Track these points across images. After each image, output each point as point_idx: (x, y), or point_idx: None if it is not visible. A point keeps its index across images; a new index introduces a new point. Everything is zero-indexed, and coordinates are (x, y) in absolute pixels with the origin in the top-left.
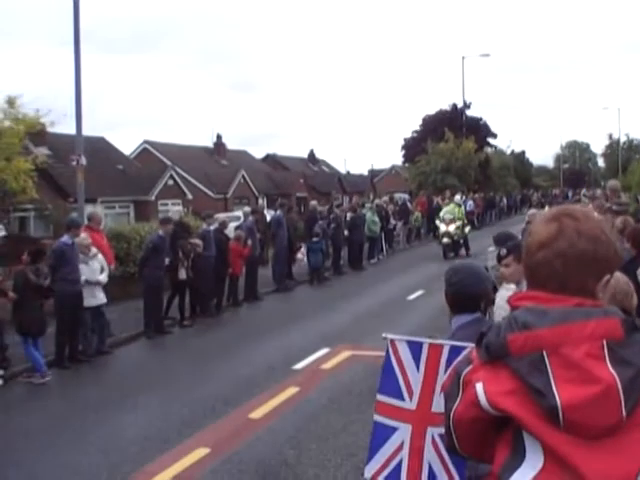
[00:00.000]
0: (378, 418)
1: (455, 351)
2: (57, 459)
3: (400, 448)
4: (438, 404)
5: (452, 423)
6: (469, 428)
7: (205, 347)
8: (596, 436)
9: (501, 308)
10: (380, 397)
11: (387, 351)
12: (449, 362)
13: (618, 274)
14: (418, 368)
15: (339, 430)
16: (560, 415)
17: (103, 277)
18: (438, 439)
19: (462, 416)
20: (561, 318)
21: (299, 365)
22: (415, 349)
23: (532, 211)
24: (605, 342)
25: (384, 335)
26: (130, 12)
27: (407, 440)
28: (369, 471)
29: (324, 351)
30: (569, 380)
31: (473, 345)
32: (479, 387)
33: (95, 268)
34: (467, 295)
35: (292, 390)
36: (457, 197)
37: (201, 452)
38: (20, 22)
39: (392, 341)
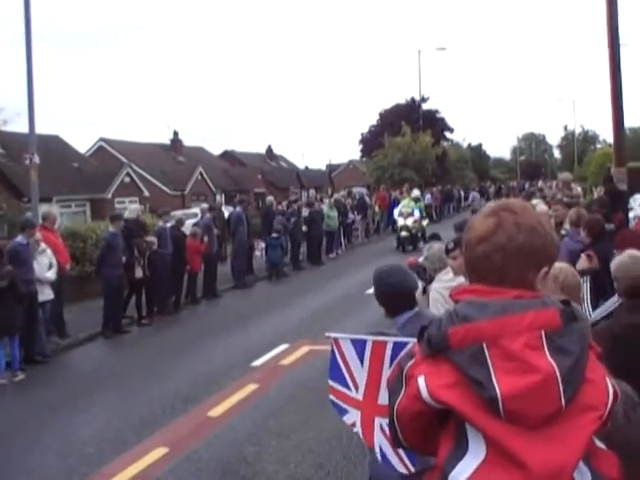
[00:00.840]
0: (332, 398)
1: (399, 346)
2: (12, 462)
3: (354, 425)
4: (384, 397)
5: (396, 417)
6: (412, 421)
7: (163, 345)
8: (536, 425)
9: (436, 300)
10: (331, 382)
11: (332, 350)
12: (393, 357)
13: (565, 266)
14: (362, 364)
15: (299, 426)
16: (500, 405)
17: (51, 274)
18: (386, 428)
19: (405, 410)
20: (500, 310)
21: (258, 362)
22: (359, 346)
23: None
24: (543, 332)
25: (327, 334)
26: (85, 8)
27: (358, 422)
28: (347, 420)
29: (283, 347)
30: (509, 371)
31: (414, 340)
32: (421, 381)
33: (44, 264)
34: (407, 293)
35: (251, 387)
36: (415, 192)
37: (160, 452)
38: None
39: (336, 340)
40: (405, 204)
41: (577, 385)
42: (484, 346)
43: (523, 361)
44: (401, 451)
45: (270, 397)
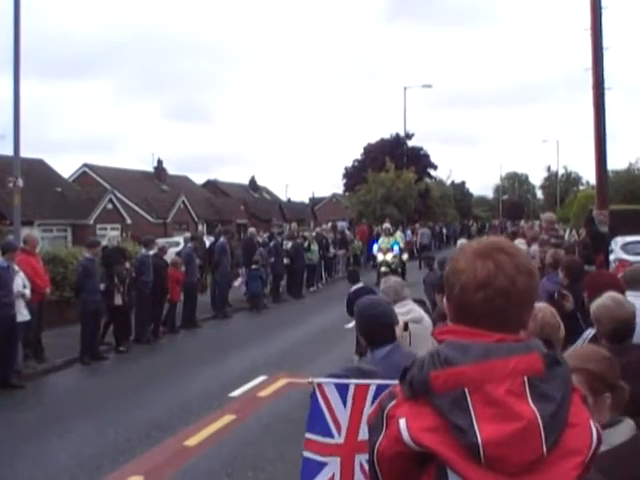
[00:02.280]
0: (308, 454)
1: (381, 389)
2: None
3: (332, 479)
4: (364, 432)
5: (376, 457)
6: (393, 463)
7: (141, 373)
8: (517, 472)
9: None
10: (309, 435)
11: (314, 394)
12: (375, 399)
13: (544, 305)
14: (345, 405)
15: (275, 458)
16: (481, 452)
17: (27, 291)
18: (366, 465)
19: (386, 451)
20: (483, 355)
21: (236, 392)
22: (342, 390)
23: (462, 241)
24: (526, 378)
25: (310, 380)
26: (70, 37)
27: (337, 472)
28: None
29: (261, 379)
30: (490, 417)
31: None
32: (402, 423)
33: (18, 284)
34: (388, 325)
35: (228, 418)
36: (386, 224)
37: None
38: None
39: (319, 385)
40: (384, 240)
41: (559, 432)
42: (466, 391)
43: (505, 408)
44: None
45: (247, 428)
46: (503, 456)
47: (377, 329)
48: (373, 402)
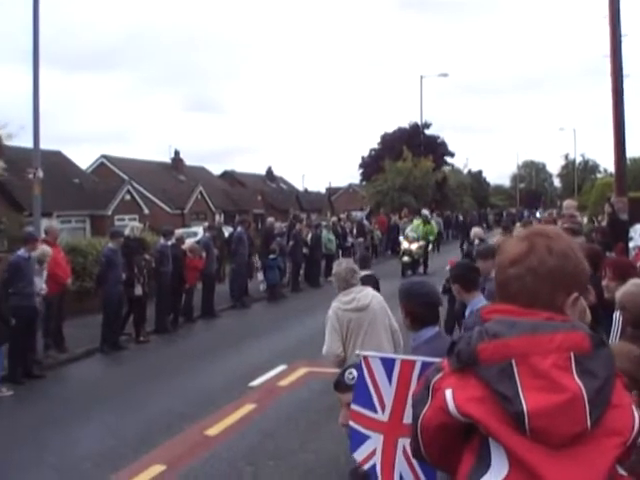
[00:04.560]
0: (353, 424)
1: (426, 366)
2: (8, 476)
3: (373, 453)
4: (409, 416)
5: (420, 428)
6: (436, 434)
7: (161, 363)
8: (561, 444)
9: (328, 317)
10: (354, 406)
11: (360, 367)
12: (420, 376)
13: None
14: (390, 382)
15: (296, 447)
16: (526, 421)
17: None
18: (409, 449)
19: (430, 422)
20: (530, 329)
21: (256, 382)
22: (388, 365)
23: (476, 230)
24: (572, 354)
25: (357, 352)
26: (89, 29)
27: (379, 448)
28: (358, 456)
29: (281, 368)
30: (536, 388)
31: (442, 360)
32: (448, 393)
33: (43, 279)
34: (434, 305)
35: (248, 407)
36: (424, 211)
37: (156, 469)
38: None
39: (365, 358)
40: (412, 228)
41: (603, 408)
42: (513, 362)
43: (551, 380)
44: (421, 476)
45: (267, 418)
46: (548, 427)
47: (426, 307)
48: (418, 380)
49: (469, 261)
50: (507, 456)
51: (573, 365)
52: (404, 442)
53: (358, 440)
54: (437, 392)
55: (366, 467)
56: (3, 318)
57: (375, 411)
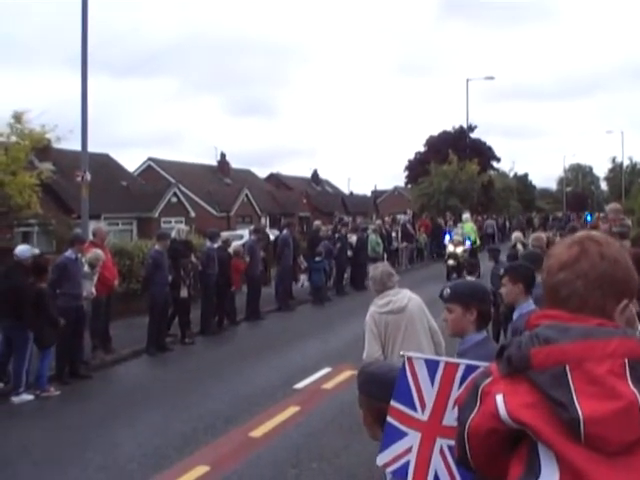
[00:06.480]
0: (390, 420)
1: (470, 370)
2: (55, 475)
3: (408, 451)
4: (449, 418)
5: (467, 434)
6: (484, 440)
7: (206, 365)
8: (615, 452)
9: (365, 323)
10: (393, 403)
11: (403, 367)
12: (463, 379)
13: None
14: (433, 384)
15: (340, 450)
16: (582, 428)
17: (94, 290)
18: (447, 450)
19: (479, 427)
20: (584, 334)
21: (300, 384)
22: (432, 366)
23: (516, 234)
24: (627, 360)
25: (402, 353)
26: (137, 34)
27: (416, 446)
28: (381, 460)
29: (325, 371)
30: (591, 395)
31: (487, 364)
32: (499, 399)
33: (93, 283)
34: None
35: (293, 409)
36: (465, 215)
37: (201, 470)
38: (29, 40)
39: (409, 359)
40: (460, 232)
41: None
42: (567, 368)
43: (606, 386)
44: (457, 476)
45: (311, 420)
46: (603, 434)
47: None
48: (461, 384)
49: (528, 263)
50: (557, 463)
51: (628, 372)
52: (442, 442)
53: (393, 437)
54: (486, 397)
55: (393, 468)
56: (52, 319)
57: (415, 410)
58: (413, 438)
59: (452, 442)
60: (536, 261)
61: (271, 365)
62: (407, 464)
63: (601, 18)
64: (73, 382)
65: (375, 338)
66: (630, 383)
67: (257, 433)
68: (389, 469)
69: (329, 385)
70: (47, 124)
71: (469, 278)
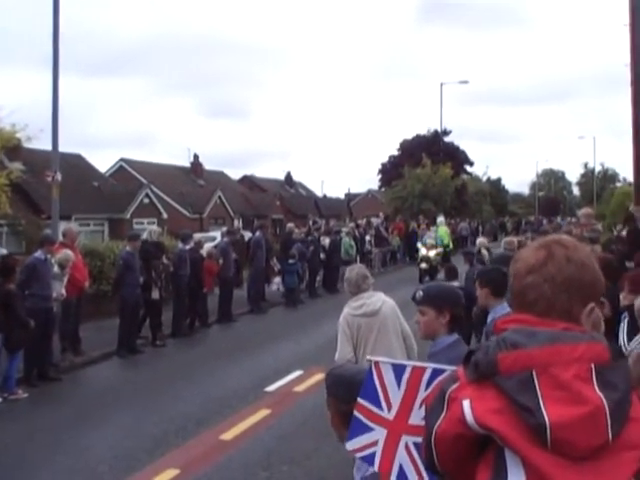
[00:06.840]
0: (357, 415)
1: (436, 373)
2: (25, 478)
3: (375, 444)
4: (415, 417)
5: (434, 439)
6: (451, 445)
7: (177, 367)
8: (581, 457)
9: (338, 324)
10: (360, 400)
11: (370, 371)
12: (429, 383)
13: None
14: (399, 387)
15: (311, 453)
16: (548, 433)
17: (64, 291)
18: (412, 446)
19: (446, 433)
20: (550, 339)
21: (271, 387)
22: (398, 371)
23: (480, 240)
24: (593, 365)
25: (368, 357)
26: (109, 34)
27: (382, 441)
28: (351, 446)
29: (297, 373)
30: (558, 400)
31: (454, 368)
32: (466, 404)
33: (63, 284)
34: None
35: (264, 412)
36: (440, 218)
37: (171, 473)
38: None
39: (376, 363)
40: (431, 235)
41: (623, 421)
42: (534, 373)
43: (573, 391)
44: (423, 471)
45: (282, 423)
46: (569, 439)
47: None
48: (427, 386)
49: (500, 266)
50: (524, 469)
51: (594, 377)
52: (407, 439)
53: (359, 429)
54: (453, 403)
55: (362, 454)
56: (21, 321)
57: (381, 409)
58: (379, 433)
59: (418, 439)
60: (508, 263)
61: (243, 367)
62: (373, 455)
63: (574, 25)
64: (42, 385)
65: (347, 340)
66: (596, 388)
67: (228, 436)
68: (359, 454)
69: (300, 388)
70: (17, 123)
71: (454, 284)
